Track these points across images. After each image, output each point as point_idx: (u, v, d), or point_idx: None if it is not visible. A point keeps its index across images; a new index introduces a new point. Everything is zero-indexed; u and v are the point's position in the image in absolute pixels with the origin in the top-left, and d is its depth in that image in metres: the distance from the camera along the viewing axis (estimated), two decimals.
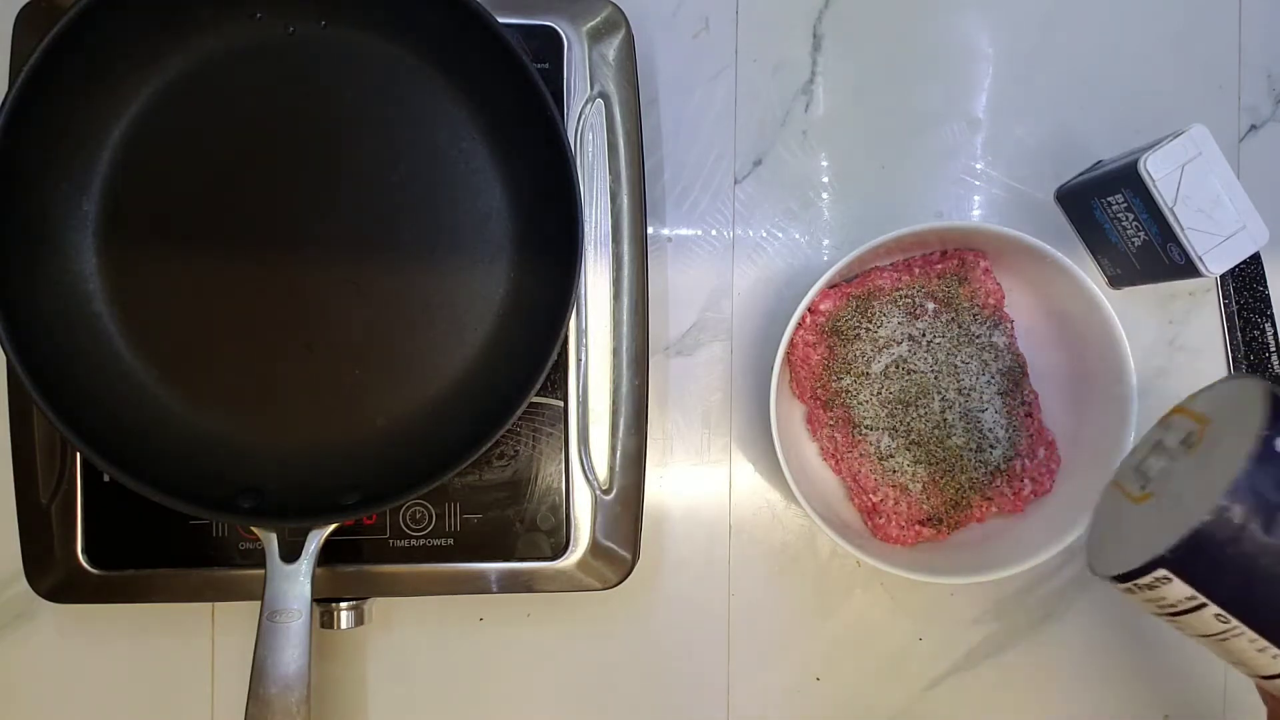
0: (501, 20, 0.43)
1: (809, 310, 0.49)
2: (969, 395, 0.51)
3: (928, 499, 0.50)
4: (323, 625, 0.47)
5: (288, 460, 0.46)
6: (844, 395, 0.50)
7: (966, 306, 0.51)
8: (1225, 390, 0.37)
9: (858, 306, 0.50)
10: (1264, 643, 0.34)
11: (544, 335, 0.44)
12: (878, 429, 0.50)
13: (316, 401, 0.46)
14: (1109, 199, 0.49)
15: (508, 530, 0.48)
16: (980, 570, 0.48)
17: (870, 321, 0.50)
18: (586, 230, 0.47)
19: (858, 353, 0.50)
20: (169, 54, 0.45)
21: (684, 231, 0.54)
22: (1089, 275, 0.47)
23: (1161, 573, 0.33)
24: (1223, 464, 0.33)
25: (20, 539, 0.46)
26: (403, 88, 0.47)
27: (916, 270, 0.51)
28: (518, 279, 0.48)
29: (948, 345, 0.50)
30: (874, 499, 0.50)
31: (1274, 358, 0.55)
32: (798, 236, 0.54)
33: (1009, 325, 0.52)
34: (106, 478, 0.46)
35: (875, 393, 0.50)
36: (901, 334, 0.50)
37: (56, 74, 0.41)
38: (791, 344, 0.50)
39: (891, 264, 0.51)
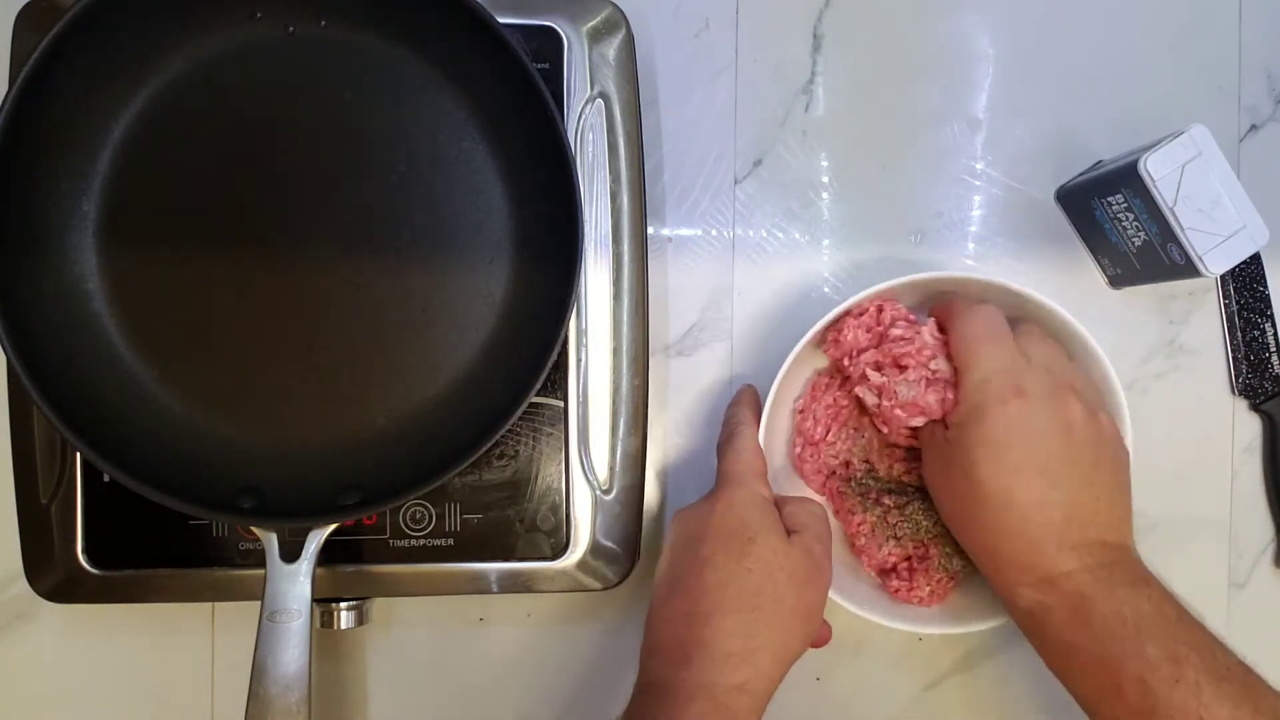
0: (501, 20, 0.43)
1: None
2: None
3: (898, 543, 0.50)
4: (323, 625, 0.47)
5: (288, 460, 0.46)
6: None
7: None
8: None
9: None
10: None
11: (544, 335, 0.44)
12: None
13: (316, 401, 0.46)
14: (1109, 199, 0.49)
15: (508, 530, 0.48)
16: (962, 618, 0.48)
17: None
18: (586, 230, 0.47)
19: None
20: (169, 54, 0.45)
21: (684, 231, 0.54)
22: (1065, 308, 0.46)
23: None
24: None
25: (20, 539, 0.46)
26: (402, 88, 0.47)
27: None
28: (518, 279, 0.48)
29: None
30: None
31: (1274, 358, 0.55)
32: (798, 236, 0.54)
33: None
34: (106, 478, 0.46)
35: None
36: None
37: (56, 74, 0.41)
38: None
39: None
